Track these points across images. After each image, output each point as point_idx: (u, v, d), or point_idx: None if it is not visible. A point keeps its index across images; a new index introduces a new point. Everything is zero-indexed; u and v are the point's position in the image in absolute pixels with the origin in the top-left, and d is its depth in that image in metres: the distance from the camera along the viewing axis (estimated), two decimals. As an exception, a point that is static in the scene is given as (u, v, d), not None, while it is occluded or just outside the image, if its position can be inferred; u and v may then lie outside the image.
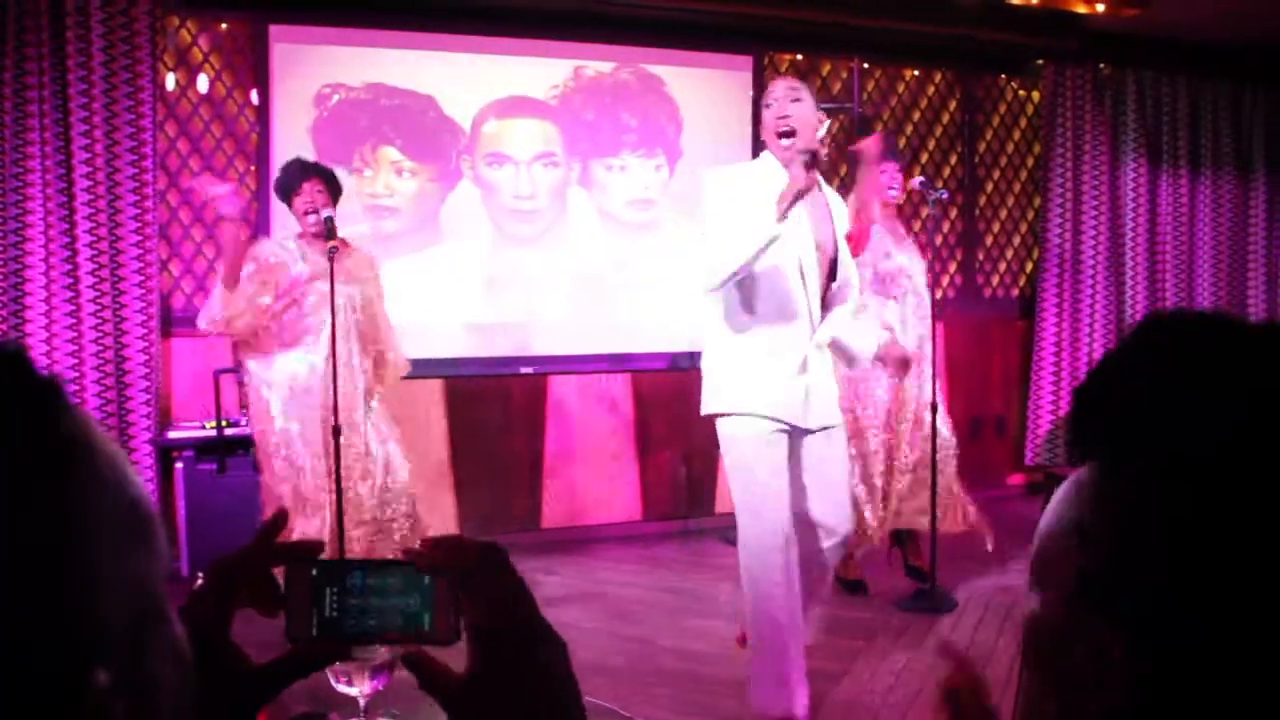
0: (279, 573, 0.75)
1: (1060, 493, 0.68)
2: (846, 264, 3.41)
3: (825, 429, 3.36)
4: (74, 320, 4.80)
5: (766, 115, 3.32)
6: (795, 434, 3.31)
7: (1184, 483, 0.59)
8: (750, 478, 3.26)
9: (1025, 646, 0.69)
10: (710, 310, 3.35)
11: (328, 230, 3.86)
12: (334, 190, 4.17)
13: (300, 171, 4.11)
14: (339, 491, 3.91)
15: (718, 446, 3.47)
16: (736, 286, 3.23)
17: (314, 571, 0.73)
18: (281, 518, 0.77)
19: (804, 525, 3.37)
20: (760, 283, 3.22)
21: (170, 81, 5.13)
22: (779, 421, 3.25)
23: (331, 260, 3.78)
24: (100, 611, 0.45)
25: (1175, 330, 0.64)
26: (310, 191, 4.05)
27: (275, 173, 4.32)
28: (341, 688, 1.38)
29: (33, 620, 0.42)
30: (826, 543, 3.42)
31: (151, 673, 0.49)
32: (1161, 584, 0.60)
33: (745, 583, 3.31)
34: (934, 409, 4.59)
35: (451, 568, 0.73)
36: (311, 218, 4.02)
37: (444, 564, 0.73)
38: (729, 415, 3.29)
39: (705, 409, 3.37)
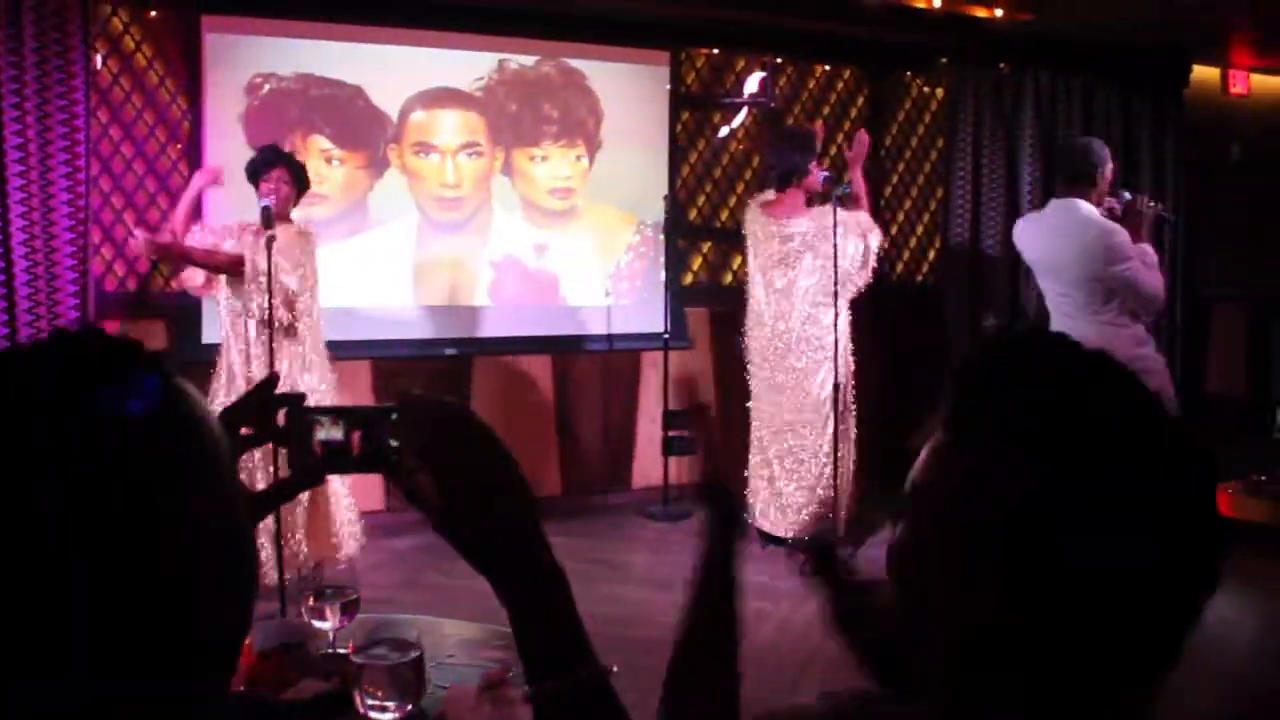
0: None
1: (924, 452, 0.85)
2: None
3: None
4: (7, 304, 4.87)
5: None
6: None
7: (1003, 461, 0.75)
8: None
9: (888, 562, 0.86)
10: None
11: (264, 219, 4.01)
12: (299, 182, 4.37)
13: (273, 157, 4.33)
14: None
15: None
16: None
17: (307, 415, 0.95)
18: (274, 377, 1.01)
19: None
20: None
21: (100, 64, 5.22)
22: None
23: (269, 250, 3.95)
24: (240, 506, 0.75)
25: (1024, 343, 0.84)
26: (276, 179, 4.25)
27: (207, 159, 4.46)
28: (315, 623, 1.63)
29: (226, 501, 0.72)
30: None
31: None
32: (972, 543, 0.76)
33: None
34: (836, 389, 4.93)
35: (416, 432, 0.93)
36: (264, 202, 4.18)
37: (412, 427, 0.94)
38: None
39: None
